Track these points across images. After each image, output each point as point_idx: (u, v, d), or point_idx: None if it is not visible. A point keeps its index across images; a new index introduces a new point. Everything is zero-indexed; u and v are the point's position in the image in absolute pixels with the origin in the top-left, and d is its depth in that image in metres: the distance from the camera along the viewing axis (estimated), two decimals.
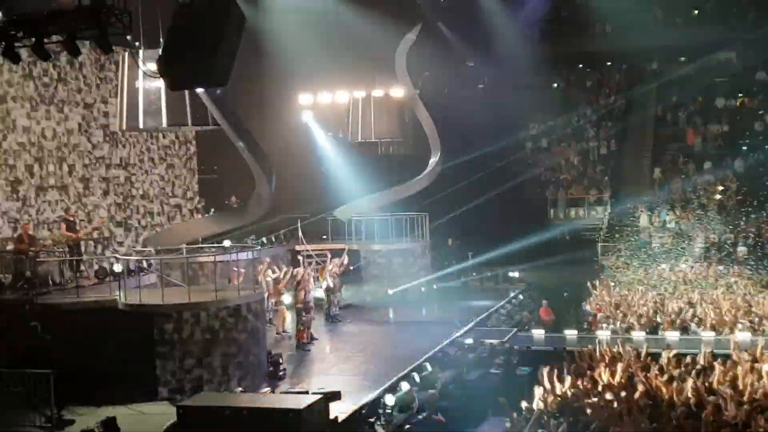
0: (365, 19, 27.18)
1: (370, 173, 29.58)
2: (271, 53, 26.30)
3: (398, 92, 29.57)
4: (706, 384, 13.80)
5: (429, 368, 17.39)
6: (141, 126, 20.32)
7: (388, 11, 28.05)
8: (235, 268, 19.10)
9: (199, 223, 26.90)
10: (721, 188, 31.73)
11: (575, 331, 20.69)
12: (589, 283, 25.07)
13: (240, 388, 15.37)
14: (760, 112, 34.82)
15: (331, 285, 22.88)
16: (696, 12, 36.89)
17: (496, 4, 32.94)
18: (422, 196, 28.96)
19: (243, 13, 12.37)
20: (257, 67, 26.73)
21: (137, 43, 17.00)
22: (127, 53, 19.55)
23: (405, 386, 15.77)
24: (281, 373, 16.94)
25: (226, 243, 22.95)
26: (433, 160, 29.48)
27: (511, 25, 33.66)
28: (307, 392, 14.08)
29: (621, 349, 16.36)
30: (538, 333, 21.15)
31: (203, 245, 21.31)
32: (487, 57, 33.62)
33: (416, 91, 30.21)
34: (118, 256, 19.46)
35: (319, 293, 22.32)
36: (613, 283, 25.16)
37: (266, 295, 19.85)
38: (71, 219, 20.19)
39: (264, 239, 26.35)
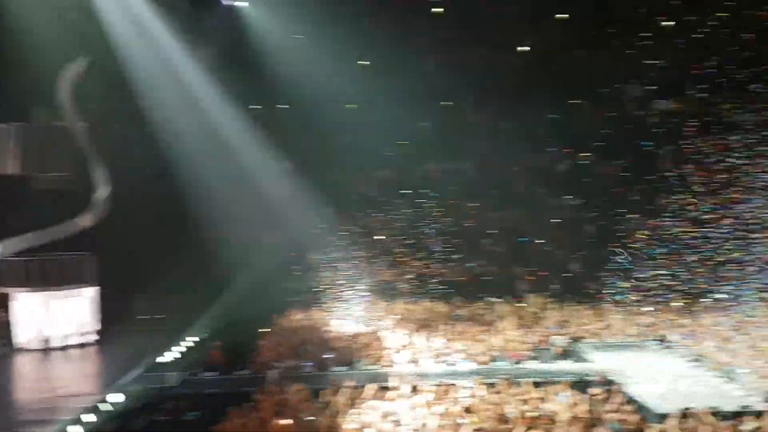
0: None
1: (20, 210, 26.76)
2: None
3: (61, 123, 27.31)
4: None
5: (93, 418, 16.00)
6: None
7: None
8: None
9: None
10: (384, 230, 33.56)
11: (247, 372, 20.23)
12: (271, 317, 24.88)
13: None
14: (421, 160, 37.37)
15: None
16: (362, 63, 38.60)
17: (170, 39, 31.89)
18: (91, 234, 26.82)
19: None
20: None
21: None
22: None
23: None
24: None
25: None
26: (98, 196, 27.53)
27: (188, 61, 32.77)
28: None
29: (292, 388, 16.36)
30: (210, 376, 20.33)
31: None
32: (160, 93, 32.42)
33: (81, 123, 28.23)
34: None
35: None
36: (300, 316, 25.30)
37: None
38: None
39: None
